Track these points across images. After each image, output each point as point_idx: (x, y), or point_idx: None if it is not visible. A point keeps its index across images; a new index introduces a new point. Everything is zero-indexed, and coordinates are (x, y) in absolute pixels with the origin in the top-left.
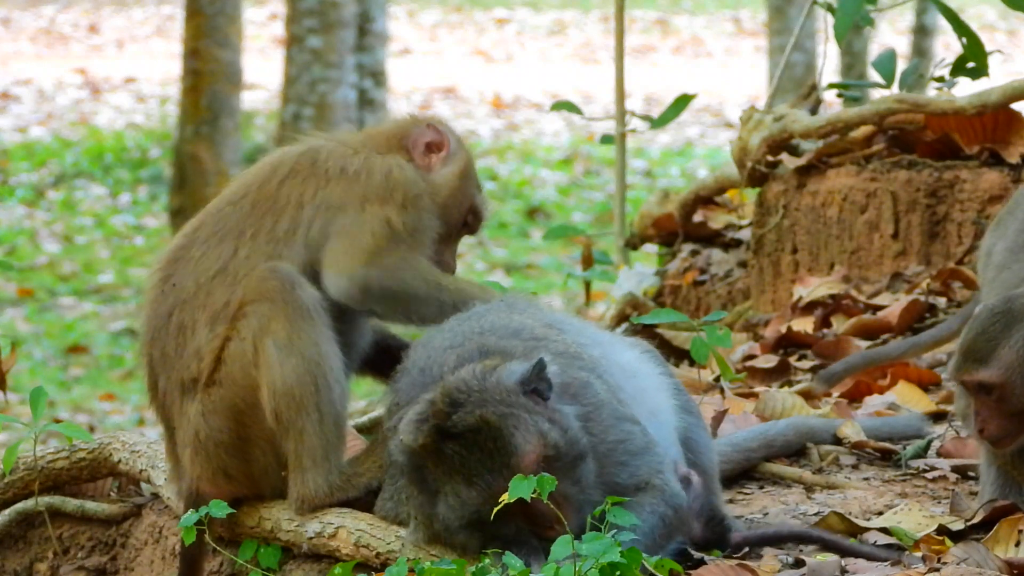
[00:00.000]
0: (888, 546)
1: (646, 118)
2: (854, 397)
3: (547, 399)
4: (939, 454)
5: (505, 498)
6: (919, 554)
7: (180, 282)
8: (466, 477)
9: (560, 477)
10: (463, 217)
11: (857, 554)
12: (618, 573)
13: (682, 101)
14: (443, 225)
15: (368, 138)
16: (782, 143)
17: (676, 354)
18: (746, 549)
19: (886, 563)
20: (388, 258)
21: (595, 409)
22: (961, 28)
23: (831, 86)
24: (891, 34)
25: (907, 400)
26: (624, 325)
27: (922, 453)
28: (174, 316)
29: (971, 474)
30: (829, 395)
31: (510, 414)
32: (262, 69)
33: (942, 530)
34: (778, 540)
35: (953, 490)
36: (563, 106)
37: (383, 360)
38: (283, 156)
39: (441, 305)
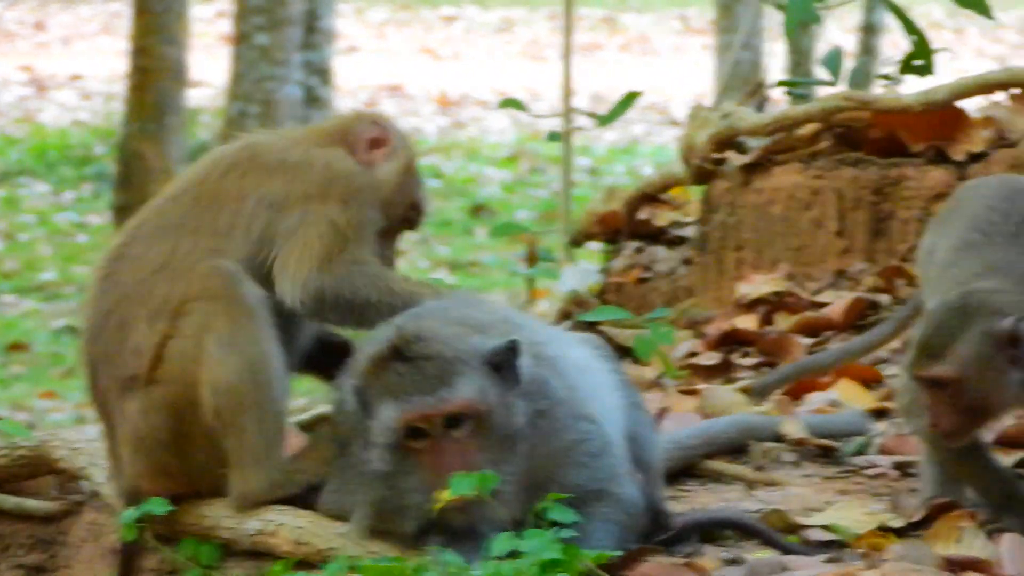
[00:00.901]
0: (829, 543)
1: (592, 116)
2: (796, 394)
3: (507, 383)
4: (880, 451)
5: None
6: (859, 551)
7: (121, 279)
8: (394, 395)
9: (479, 449)
10: (404, 212)
11: (787, 550)
12: (558, 570)
13: (629, 99)
14: (384, 220)
15: (309, 133)
16: (728, 141)
17: (619, 351)
18: (689, 549)
19: (823, 559)
20: (339, 264)
21: (553, 407)
22: (909, 26)
23: (778, 83)
24: (838, 32)
25: (849, 397)
26: (567, 322)
27: (863, 450)
28: (115, 313)
29: (911, 471)
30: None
31: (467, 363)
32: (209, 66)
33: (883, 527)
34: (712, 525)
35: (894, 487)
36: (510, 104)
37: (323, 358)
38: (223, 152)
39: (392, 308)
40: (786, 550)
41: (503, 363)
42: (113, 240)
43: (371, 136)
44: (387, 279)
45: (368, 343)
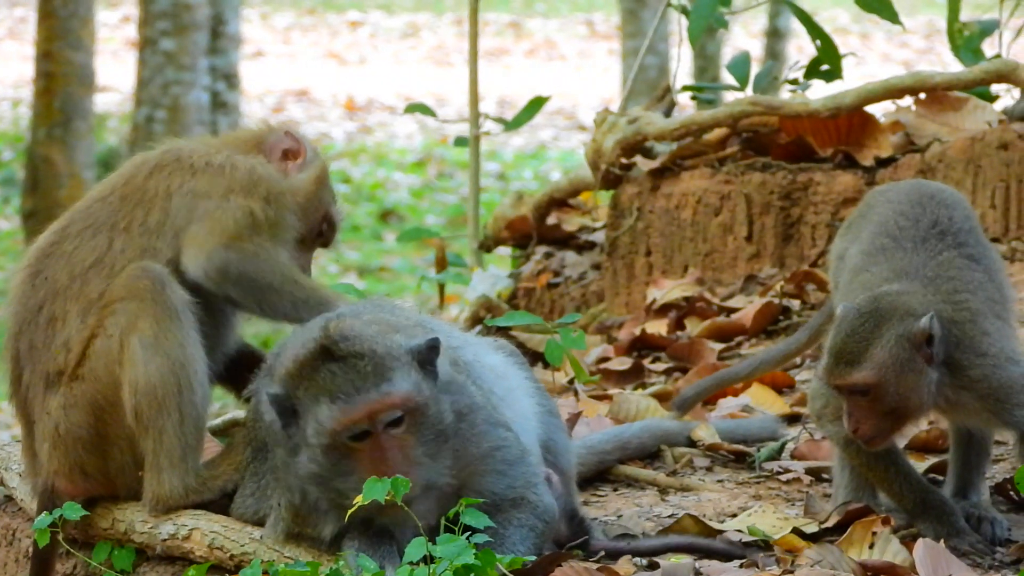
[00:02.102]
0: (747, 545)
1: (500, 120)
2: (708, 399)
3: (433, 380)
4: (793, 456)
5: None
6: (774, 555)
7: (52, 275)
8: (332, 395)
9: (416, 444)
10: (318, 226)
11: (716, 551)
12: (472, 575)
13: (535, 104)
14: (301, 227)
15: (227, 141)
16: (636, 145)
17: (530, 356)
18: (602, 552)
19: (739, 564)
20: (248, 244)
21: (470, 412)
22: (815, 31)
23: (685, 88)
24: (744, 37)
25: (761, 402)
26: (478, 327)
27: (776, 455)
28: (45, 308)
29: (825, 476)
30: None
31: (398, 356)
32: (115, 71)
33: (796, 532)
34: (639, 554)
35: (807, 492)
36: (416, 108)
37: (234, 367)
38: (145, 156)
39: (294, 301)
40: (712, 550)
41: (426, 360)
42: (40, 239)
43: (286, 147)
44: (292, 271)
45: (285, 348)
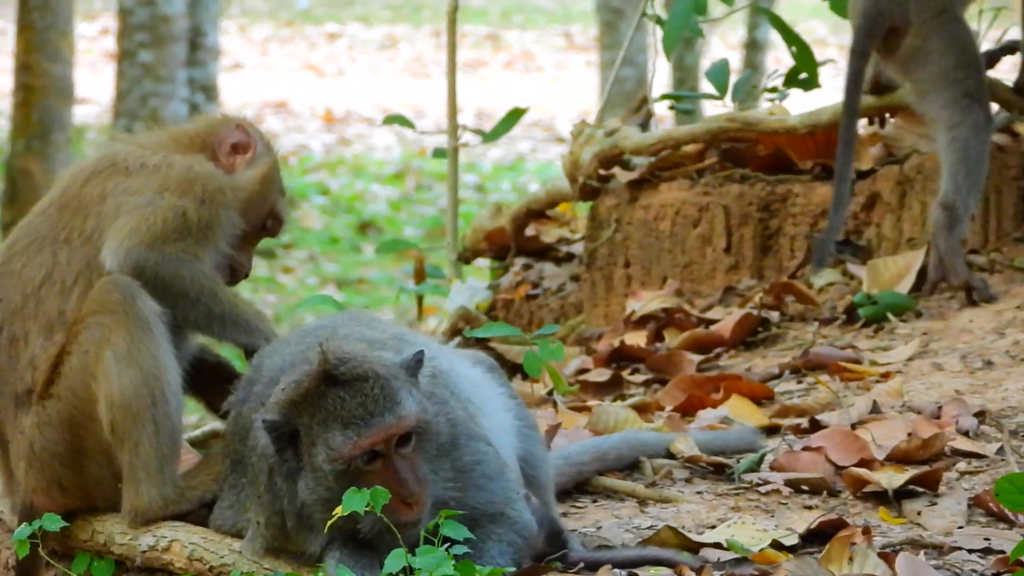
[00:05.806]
0: (730, 561)
1: (478, 132)
2: (687, 411)
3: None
4: (772, 468)
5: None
6: (755, 568)
7: (6, 296)
8: (344, 421)
9: (422, 462)
10: (263, 220)
11: (694, 569)
12: None
13: (513, 115)
14: (244, 224)
15: (171, 137)
16: (613, 158)
17: (509, 368)
18: (581, 564)
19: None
20: (171, 247)
21: (451, 426)
22: (791, 37)
23: (663, 97)
24: (723, 48)
25: (740, 414)
26: (457, 339)
27: (755, 467)
28: (4, 330)
29: (803, 488)
30: (662, 409)
31: (397, 375)
32: (94, 83)
33: (775, 544)
34: (618, 565)
35: (786, 504)
36: (395, 120)
37: (206, 380)
38: (82, 163)
39: (209, 314)
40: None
41: (413, 374)
42: None
43: (235, 141)
44: (214, 284)
45: (264, 367)
